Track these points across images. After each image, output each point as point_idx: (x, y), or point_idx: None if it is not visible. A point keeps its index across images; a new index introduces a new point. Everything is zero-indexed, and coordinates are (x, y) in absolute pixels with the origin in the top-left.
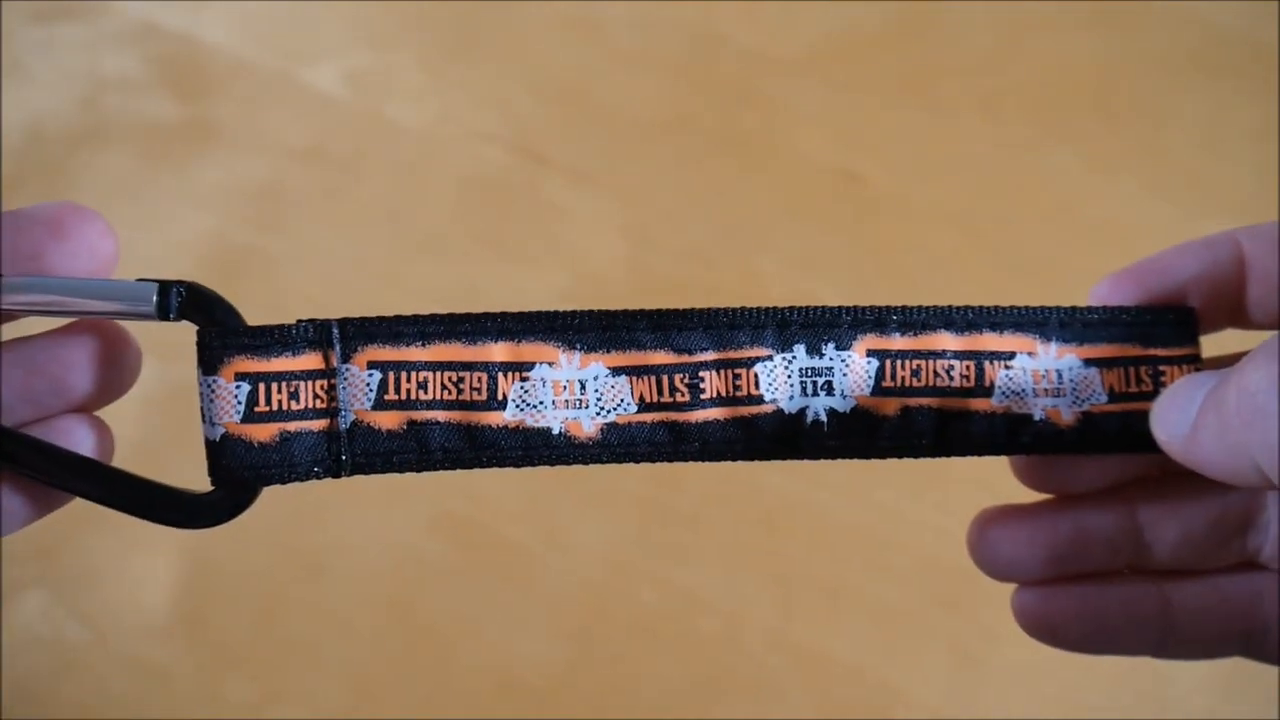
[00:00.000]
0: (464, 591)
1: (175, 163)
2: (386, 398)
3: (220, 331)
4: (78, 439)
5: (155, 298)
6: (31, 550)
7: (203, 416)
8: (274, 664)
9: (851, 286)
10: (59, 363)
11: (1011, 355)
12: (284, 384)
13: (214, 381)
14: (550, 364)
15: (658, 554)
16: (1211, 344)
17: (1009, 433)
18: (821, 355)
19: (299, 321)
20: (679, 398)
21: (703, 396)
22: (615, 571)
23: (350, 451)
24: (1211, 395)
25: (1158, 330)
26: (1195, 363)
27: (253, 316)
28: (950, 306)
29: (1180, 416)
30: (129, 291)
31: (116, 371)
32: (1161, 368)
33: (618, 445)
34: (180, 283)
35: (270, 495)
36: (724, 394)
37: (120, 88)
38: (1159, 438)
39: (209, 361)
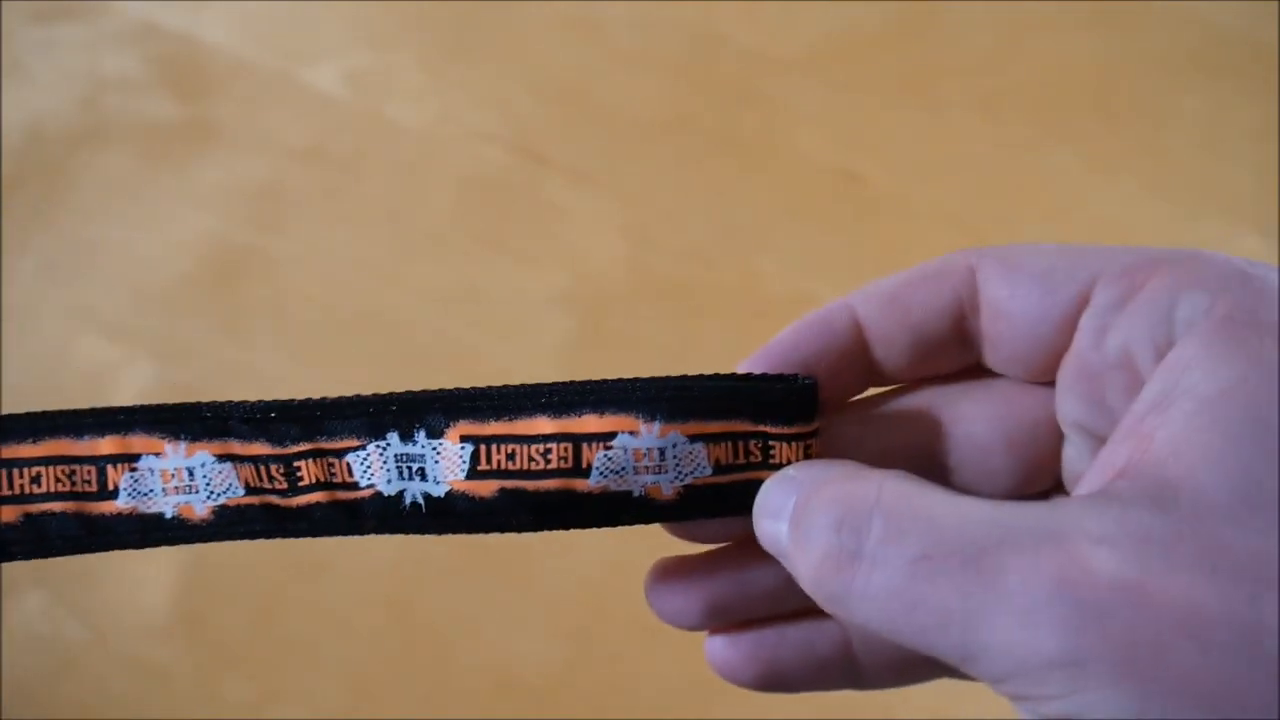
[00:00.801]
0: (463, 591)
1: (175, 163)
2: (1, 493)
3: None
4: None
5: None
6: None
7: None
8: (273, 663)
9: (851, 287)
10: None
11: (612, 435)
12: None
13: None
14: (157, 454)
15: (656, 553)
16: None
17: (609, 510)
18: (415, 442)
19: None
20: (278, 485)
21: (300, 484)
22: (614, 571)
23: None
24: (800, 518)
25: (773, 404)
26: (811, 439)
27: (252, 316)
28: (549, 386)
29: (774, 535)
30: None
31: None
32: (771, 443)
33: (230, 525)
34: None
35: None
36: (321, 480)
37: (120, 88)
38: (762, 541)
39: None
